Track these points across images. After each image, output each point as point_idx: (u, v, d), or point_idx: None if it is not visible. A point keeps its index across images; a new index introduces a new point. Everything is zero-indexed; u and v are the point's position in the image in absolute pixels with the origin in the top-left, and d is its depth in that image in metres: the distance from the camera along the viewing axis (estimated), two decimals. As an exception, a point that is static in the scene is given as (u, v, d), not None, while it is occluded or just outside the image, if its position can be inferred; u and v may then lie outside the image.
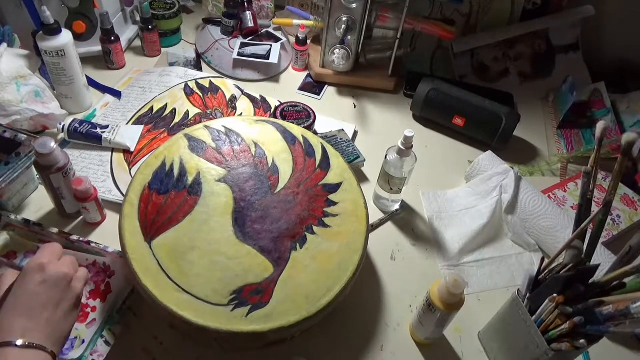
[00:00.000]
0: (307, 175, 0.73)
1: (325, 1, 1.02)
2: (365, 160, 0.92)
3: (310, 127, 0.95)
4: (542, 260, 0.62)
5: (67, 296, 0.53)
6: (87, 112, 0.98)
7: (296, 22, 1.13)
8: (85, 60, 1.05)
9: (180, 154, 0.73)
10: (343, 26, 1.02)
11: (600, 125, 0.58)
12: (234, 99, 1.02)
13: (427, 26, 1.07)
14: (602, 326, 0.55)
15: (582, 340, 0.56)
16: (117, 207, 0.78)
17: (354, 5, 0.99)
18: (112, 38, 1.05)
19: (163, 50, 1.17)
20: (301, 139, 0.78)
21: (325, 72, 1.12)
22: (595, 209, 0.58)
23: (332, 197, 0.72)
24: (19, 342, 0.48)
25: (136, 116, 0.97)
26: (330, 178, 0.74)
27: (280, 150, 0.76)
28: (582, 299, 0.57)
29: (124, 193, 0.69)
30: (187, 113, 0.97)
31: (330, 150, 0.78)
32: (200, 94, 1.02)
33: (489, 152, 0.94)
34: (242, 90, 1.06)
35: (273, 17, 1.22)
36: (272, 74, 1.14)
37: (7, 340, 0.48)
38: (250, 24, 1.14)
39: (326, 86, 1.13)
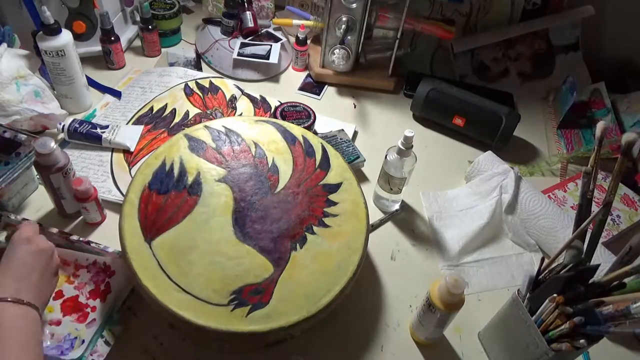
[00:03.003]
0: (307, 175, 0.73)
1: (325, 1, 1.02)
2: (365, 160, 0.92)
3: (310, 127, 0.95)
4: (542, 260, 0.62)
5: (49, 264, 0.61)
6: (87, 112, 0.98)
7: (296, 22, 1.13)
8: (85, 60, 1.05)
9: (180, 154, 0.73)
10: (343, 26, 1.02)
11: (600, 125, 0.58)
12: (234, 99, 1.02)
13: (427, 26, 1.07)
14: (602, 326, 0.55)
15: (582, 340, 0.56)
16: (117, 207, 0.78)
17: (354, 5, 0.99)
18: (112, 38, 1.05)
19: (163, 50, 1.17)
20: (301, 139, 0.78)
21: (325, 72, 1.12)
22: (595, 209, 0.58)
23: (332, 197, 0.72)
24: (12, 298, 0.54)
25: (136, 116, 0.97)
26: (330, 178, 0.74)
27: (280, 150, 0.76)
28: (582, 299, 0.57)
29: (124, 193, 0.69)
30: (187, 113, 0.97)
31: (330, 150, 0.78)
32: (200, 94, 1.02)
33: (489, 152, 0.94)
34: (242, 90, 1.06)
35: (273, 17, 1.22)
36: (272, 74, 1.14)
37: (2, 297, 0.55)
38: (250, 24, 1.14)
39: (326, 86, 1.13)
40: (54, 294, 0.66)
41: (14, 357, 0.51)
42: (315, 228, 0.68)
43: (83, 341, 0.63)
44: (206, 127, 0.77)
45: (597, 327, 0.55)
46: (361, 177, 0.93)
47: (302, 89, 1.12)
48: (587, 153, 0.97)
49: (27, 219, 0.74)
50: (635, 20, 1.12)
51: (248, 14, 1.14)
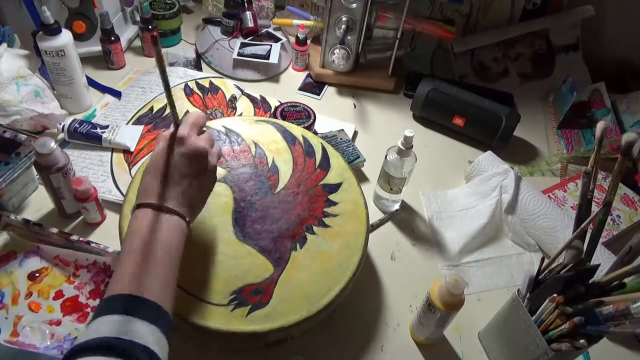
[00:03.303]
0: (307, 175, 0.73)
1: (325, 1, 1.02)
2: (365, 160, 0.92)
3: (310, 127, 0.95)
4: (542, 260, 0.62)
5: (203, 169, 0.55)
6: (87, 112, 0.98)
7: (296, 22, 1.13)
8: (85, 60, 1.05)
9: (180, 154, 0.72)
10: (343, 26, 1.02)
11: (600, 125, 0.58)
12: (234, 99, 1.02)
13: (427, 26, 1.07)
14: (602, 326, 0.55)
15: (582, 340, 0.56)
16: (117, 207, 0.78)
17: (354, 5, 0.99)
18: (112, 38, 1.05)
19: (163, 50, 1.17)
20: (301, 139, 0.78)
21: (325, 72, 1.12)
22: (595, 209, 0.58)
23: (332, 197, 0.72)
24: (158, 205, 0.50)
25: (136, 116, 0.97)
26: (330, 178, 0.74)
27: (280, 150, 0.76)
28: (582, 299, 0.57)
29: (124, 193, 0.69)
30: (187, 113, 0.97)
31: (330, 150, 0.78)
32: (200, 94, 1.02)
33: (489, 152, 0.94)
34: (242, 90, 1.06)
35: (273, 17, 1.22)
36: (272, 74, 1.14)
37: (148, 202, 0.50)
38: (250, 24, 1.14)
39: (326, 86, 1.13)
40: (52, 294, 0.66)
41: (146, 262, 0.47)
42: (315, 228, 0.68)
43: (83, 341, 0.63)
44: (206, 127, 0.77)
45: (597, 327, 0.55)
46: (361, 177, 0.93)
47: (302, 89, 1.12)
48: (587, 153, 0.97)
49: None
50: (635, 20, 1.12)
51: (248, 14, 1.14)
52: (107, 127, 0.90)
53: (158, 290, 0.47)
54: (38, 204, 0.81)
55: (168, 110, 0.97)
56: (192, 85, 1.03)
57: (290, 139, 0.78)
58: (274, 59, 1.11)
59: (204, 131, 0.58)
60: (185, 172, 0.53)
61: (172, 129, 0.55)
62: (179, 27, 1.20)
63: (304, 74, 1.16)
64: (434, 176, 0.95)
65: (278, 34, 1.19)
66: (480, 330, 0.72)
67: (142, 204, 0.51)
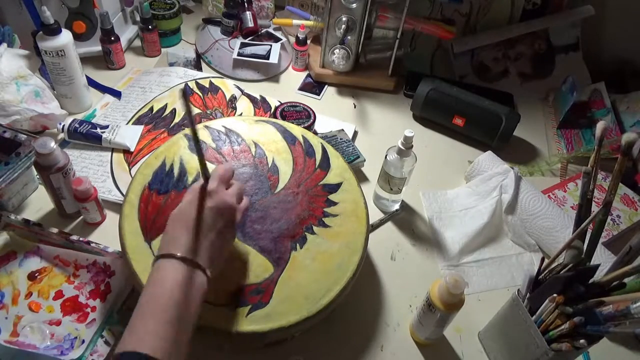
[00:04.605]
0: (307, 175, 0.73)
1: (325, 1, 1.02)
2: (365, 160, 0.92)
3: (310, 127, 0.95)
4: (542, 260, 0.62)
5: (228, 225, 0.55)
6: (87, 112, 0.98)
7: (296, 22, 1.13)
8: (85, 60, 1.05)
9: (180, 154, 0.73)
10: (343, 26, 1.02)
11: (600, 125, 0.58)
12: (234, 99, 1.02)
13: (427, 26, 1.07)
14: (602, 326, 0.55)
15: (582, 340, 0.56)
16: (117, 207, 0.78)
17: (354, 5, 0.99)
18: (112, 38, 1.05)
19: (163, 50, 1.17)
20: (301, 139, 0.78)
21: (325, 72, 1.12)
22: (595, 209, 0.58)
23: (332, 197, 0.72)
24: (182, 257, 0.49)
25: (136, 116, 0.97)
26: (330, 178, 0.74)
27: (280, 150, 0.76)
28: (582, 299, 0.57)
29: (124, 193, 0.69)
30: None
31: (330, 150, 0.78)
32: (200, 94, 1.02)
33: (489, 152, 0.94)
34: (242, 90, 1.06)
35: (273, 17, 1.22)
36: (272, 74, 1.14)
37: (172, 253, 0.49)
38: (250, 24, 1.14)
39: (326, 86, 1.13)
40: (52, 294, 0.66)
41: (167, 320, 0.46)
42: (315, 228, 0.68)
43: (83, 341, 0.63)
44: (206, 127, 0.77)
45: (597, 327, 0.55)
46: (361, 177, 0.93)
47: (302, 89, 1.12)
48: (587, 153, 0.97)
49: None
50: (635, 21, 1.12)
51: (248, 14, 1.14)
52: (107, 127, 0.90)
53: (177, 355, 0.46)
54: (38, 204, 0.81)
55: (168, 110, 0.97)
56: (192, 85, 1.03)
57: (290, 139, 0.78)
58: (274, 59, 1.11)
59: (232, 184, 0.58)
60: (213, 226, 0.53)
61: (201, 182, 0.55)
62: (179, 27, 1.20)
63: (304, 74, 1.16)
64: (434, 176, 0.95)
65: (278, 34, 1.19)
66: (480, 330, 0.72)
67: (169, 255, 0.50)
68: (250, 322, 0.58)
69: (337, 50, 1.06)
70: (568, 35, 1.15)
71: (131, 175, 0.85)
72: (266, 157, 0.75)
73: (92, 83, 1.03)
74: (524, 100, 1.13)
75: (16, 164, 0.75)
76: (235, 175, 0.71)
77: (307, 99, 1.09)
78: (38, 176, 0.81)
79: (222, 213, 0.54)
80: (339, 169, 0.75)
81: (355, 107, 1.09)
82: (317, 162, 0.75)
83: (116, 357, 0.44)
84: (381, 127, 1.05)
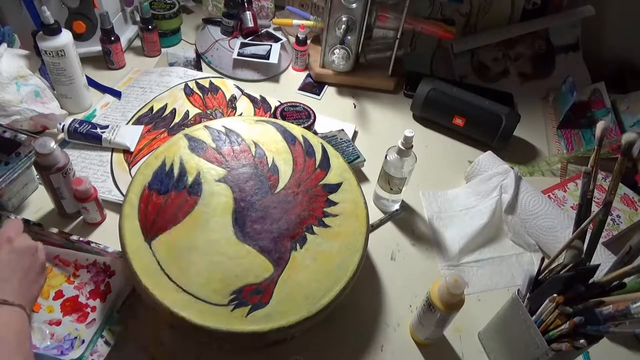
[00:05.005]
0: (307, 175, 0.73)
1: (325, 1, 1.02)
2: (365, 160, 0.92)
3: (310, 127, 0.95)
4: (542, 260, 0.62)
5: (34, 263, 0.61)
6: (87, 112, 0.98)
7: (296, 22, 1.13)
8: (85, 60, 1.05)
9: (180, 154, 0.73)
10: (343, 26, 1.02)
11: (600, 125, 0.58)
12: (234, 99, 1.02)
13: (427, 26, 1.07)
14: (602, 326, 0.55)
15: (582, 340, 0.56)
16: (117, 207, 0.78)
17: (354, 5, 0.99)
18: (112, 38, 1.05)
19: (163, 50, 1.17)
20: (301, 139, 0.78)
21: (325, 72, 1.12)
22: (595, 209, 0.58)
23: (332, 197, 0.72)
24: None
25: (136, 116, 0.97)
26: (330, 178, 0.74)
27: (280, 150, 0.76)
28: (582, 299, 0.57)
29: (124, 193, 0.69)
30: (187, 113, 0.97)
31: (330, 150, 0.78)
32: (200, 94, 1.02)
33: (489, 152, 0.94)
34: (242, 90, 1.06)
35: (273, 17, 1.22)
36: (272, 74, 1.14)
37: None
38: (250, 24, 1.14)
39: (326, 86, 1.13)
40: (52, 294, 0.67)
41: (6, 357, 0.51)
42: (315, 228, 0.68)
43: (83, 341, 0.63)
44: (206, 127, 0.77)
45: (597, 327, 0.55)
46: (361, 177, 0.93)
47: (302, 89, 1.12)
48: (587, 153, 0.97)
49: (17, 218, 0.73)
50: (635, 20, 1.12)
51: (248, 14, 1.14)
52: (107, 127, 0.90)
53: None
54: (38, 204, 0.81)
55: (168, 110, 0.97)
56: (192, 85, 1.03)
57: (290, 139, 0.78)
58: (274, 59, 1.11)
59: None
60: (20, 266, 0.59)
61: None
62: (179, 27, 1.20)
63: (304, 74, 1.16)
64: (434, 176, 0.95)
65: (278, 34, 1.19)
66: (480, 330, 0.72)
67: None
68: (250, 322, 0.58)
69: (337, 50, 1.07)
70: (568, 35, 1.15)
71: (131, 175, 0.85)
72: (266, 157, 0.75)
73: (92, 83, 1.03)
74: (524, 100, 1.13)
75: (16, 164, 0.75)
76: (235, 175, 0.71)
77: (307, 99, 1.09)
78: (38, 176, 0.81)
79: (24, 253, 0.60)
80: (339, 169, 0.75)
81: (355, 107, 1.09)
82: (317, 162, 0.75)
83: None
84: (381, 127, 1.05)
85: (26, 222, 0.73)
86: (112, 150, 0.89)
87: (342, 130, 0.98)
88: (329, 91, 1.13)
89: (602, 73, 1.10)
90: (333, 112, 1.05)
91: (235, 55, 1.10)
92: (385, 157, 0.81)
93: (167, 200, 0.67)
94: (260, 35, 1.18)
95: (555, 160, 0.99)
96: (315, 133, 0.95)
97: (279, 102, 1.04)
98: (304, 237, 0.66)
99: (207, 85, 1.04)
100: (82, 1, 0.98)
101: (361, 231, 0.68)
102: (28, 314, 0.57)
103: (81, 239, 0.72)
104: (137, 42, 1.18)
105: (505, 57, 1.16)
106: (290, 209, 0.69)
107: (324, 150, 0.77)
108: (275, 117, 0.95)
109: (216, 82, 1.05)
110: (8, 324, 0.54)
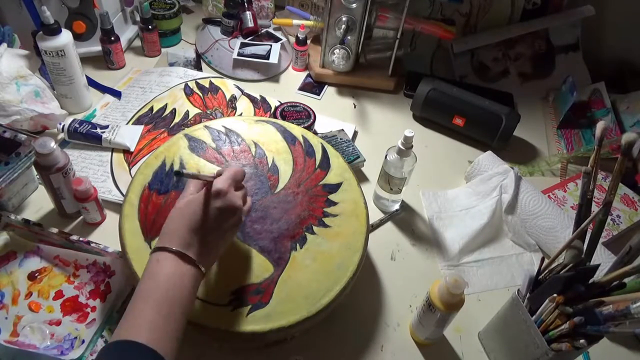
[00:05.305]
0: (307, 175, 0.73)
1: (325, 1, 1.02)
2: (365, 160, 0.92)
3: (310, 127, 0.95)
4: (542, 260, 0.62)
5: (231, 225, 0.55)
6: (87, 112, 0.98)
7: (296, 22, 1.13)
8: (85, 60, 1.05)
9: (180, 154, 0.73)
10: (343, 26, 1.02)
11: (600, 125, 0.58)
12: (234, 99, 1.02)
13: (427, 26, 1.07)
14: (602, 326, 0.55)
15: (582, 340, 0.56)
16: (117, 207, 0.78)
17: (354, 5, 0.99)
18: (112, 38, 1.05)
19: (163, 50, 1.17)
20: (301, 139, 0.78)
21: (325, 72, 1.12)
22: (595, 209, 0.58)
23: (332, 197, 0.72)
24: (176, 250, 0.50)
25: (136, 116, 0.97)
26: (330, 178, 0.74)
27: (280, 150, 0.76)
28: (582, 299, 0.57)
29: (124, 193, 0.69)
30: (187, 113, 0.97)
31: (330, 150, 0.78)
32: (200, 94, 1.02)
33: (489, 152, 0.94)
34: (242, 90, 1.06)
35: (273, 17, 1.22)
36: (272, 74, 1.14)
37: (172, 248, 0.50)
38: (250, 24, 1.14)
39: (326, 86, 1.13)
40: (52, 294, 0.66)
41: (160, 312, 0.47)
42: (315, 228, 0.68)
43: (83, 341, 0.63)
44: (206, 127, 0.77)
45: (597, 327, 0.55)
46: (361, 177, 0.93)
47: (302, 89, 1.12)
48: (587, 153, 0.97)
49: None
50: (635, 20, 1.12)
51: (248, 14, 1.14)
52: (107, 127, 0.90)
53: (170, 349, 0.47)
54: (38, 204, 0.81)
55: (168, 110, 0.97)
56: (192, 85, 1.03)
57: (290, 139, 0.78)
58: (274, 59, 1.11)
59: (242, 186, 0.59)
60: (217, 226, 0.53)
61: (209, 177, 0.55)
62: (179, 27, 1.20)
63: (304, 74, 1.16)
64: (434, 176, 0.95)
65: (278, 34, 1.19)
66: (480, 330, 0.72)
67: (165, 248, 0.50)
68: (250, 322, 0.58)
69: (337, 50, 1.07)
70: (568, 35, 1.15)
71: (131, 175, 0.85)
72: (266, 157, 0.75)
73: (92, 83, 1.03)
74: (524, 100, 1.13)
75: (16, 164, 0.75)
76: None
77: (307, 99, 1.09)
78: (38, 176, 0.81)
79: (228, 214, 0.54)
80: (339, 169, 0.75)
81: (355, 107, 1.09)
82: (317, 162, 0.75)
83: (111, 345, 0.45)
84: (381, 127, 1.05)
85: (26, 222, 0.73)
86: (112, 150, 0.89)
87: (342, 130, 0.98)
88: (329, 91, 1.13)
89: (602, 73, 1.10)
90: (333, 112, 1.05)
91: (235, 55, 1.10)
92: (385, 157, 0.81)
93: (167, 200, 0.67)
94: (260, 35, 1.18)
95: (555, 160, 0.99)
96: (315, 133, 0.95)
97: (279, 102, 1.04)
98: (304, 237, 0.66)
99: (207, 85, 1.04)
100: (82, 1, 0.98)
101: (361, 231, 0.68)
102: (204, 275, 0.52)
103: (81, 239, 0.72)
104: (137, 42, 1.18)
105: (505, 57, 1.16)
106: (290, 209, 0.69)
107: (324, 150, 0.77)
108: (275, 117, 0.95)
109: (216, 82, 1.05)
110: (175, 280, 0.49)
